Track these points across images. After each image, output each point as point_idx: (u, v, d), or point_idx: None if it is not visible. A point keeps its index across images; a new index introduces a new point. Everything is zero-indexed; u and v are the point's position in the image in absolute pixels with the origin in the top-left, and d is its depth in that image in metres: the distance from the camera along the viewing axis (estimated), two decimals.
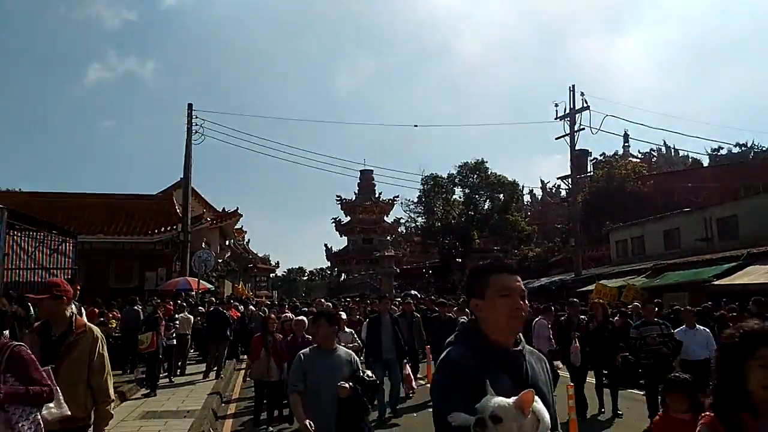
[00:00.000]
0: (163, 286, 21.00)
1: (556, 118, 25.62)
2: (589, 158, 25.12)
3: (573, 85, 25.11)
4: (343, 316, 12.70)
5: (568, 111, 25.03)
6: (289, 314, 11.24)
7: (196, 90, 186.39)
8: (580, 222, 36.64)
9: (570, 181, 26.69)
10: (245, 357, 17.15)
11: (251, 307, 20.47)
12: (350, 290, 54.36)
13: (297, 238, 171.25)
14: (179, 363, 13.60)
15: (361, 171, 64.39)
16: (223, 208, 27.89)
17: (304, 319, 7.79)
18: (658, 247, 26.76)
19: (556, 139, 25.70)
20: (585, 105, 24.38)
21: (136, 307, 13.57)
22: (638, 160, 43.05)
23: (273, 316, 8.96)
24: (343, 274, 66.18)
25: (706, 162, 57.32)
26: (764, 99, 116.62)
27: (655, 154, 72.23)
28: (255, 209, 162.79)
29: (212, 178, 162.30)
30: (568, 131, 25.13)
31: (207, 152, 49.78)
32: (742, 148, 61.89)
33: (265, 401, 8.23)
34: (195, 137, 23.07)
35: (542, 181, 73.72)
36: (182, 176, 23.34)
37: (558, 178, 44.90)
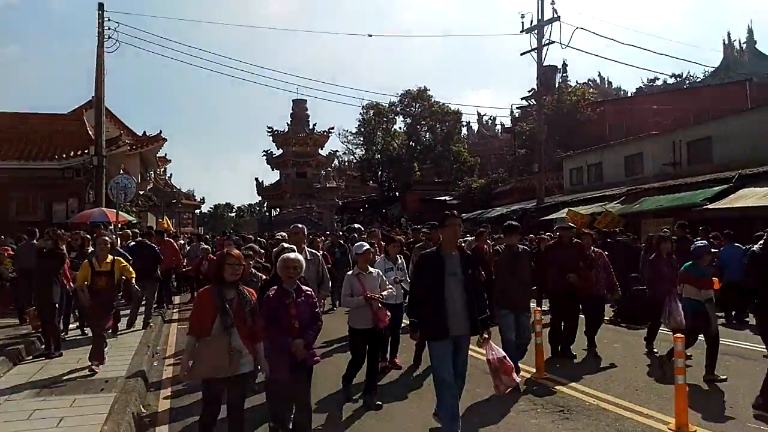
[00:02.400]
0: (74, 219, 17.64)
1: (522, 31, 23.25)
2: (558, 74, 22.87)
3: None
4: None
5: (535, 23, 22.69)
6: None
7: None
8: (528, 151, 35.28)
9: (535, 102, 24.58)
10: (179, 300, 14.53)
11: (181, 240, 17.54)
12: (284, 226, 51.06)
13: (224, 172, 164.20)
14: None
15: (293, 100, 60.32)
16: (144, 132, 24.11)
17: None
18: (618, 175, 25.53)
19: (522, 54, 23.46)
20: (555, 15, 22.11)
21: (35, 242, 10.53)
22: (588, 88, 41.60)
23: (235, 251, 5.27)
24: (275, 210, 62.89)
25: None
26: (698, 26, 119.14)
27: (591, 84, 72.23)
28: (177, 141, 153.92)
29: (130, 99, 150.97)
30: (535, 46, 22.88)
31: (123, 70, 44.29)
32: (677, 78, 62.52)
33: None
34: (108, 44, 19.05)
35: (479, 114, 72.20)
36: (94, 93, 19.43)
37: (523, 98, 43.13)
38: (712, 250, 8.92)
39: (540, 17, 22.63)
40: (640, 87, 60.02)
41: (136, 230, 15.01)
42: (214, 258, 13.25)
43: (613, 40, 51.33)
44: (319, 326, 4.55)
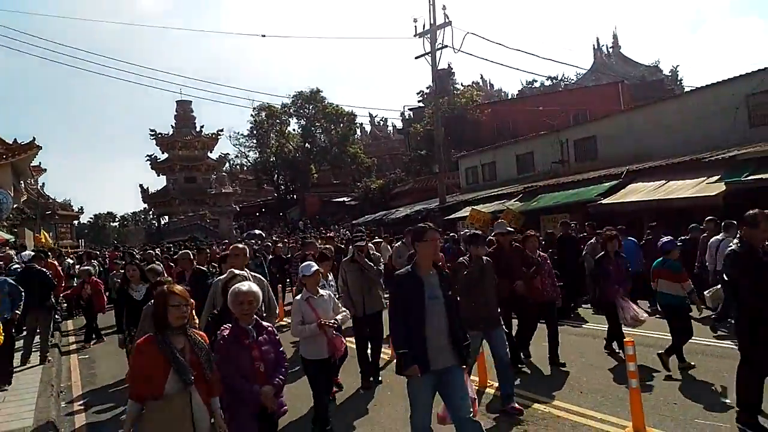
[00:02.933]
0: None
1: (415, 35, 23.61)
2: (451, 77, 23.45)
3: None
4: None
5: (428, 27, 23.13)
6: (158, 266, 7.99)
7: None
8: (423, 152, 36.07)
9: (432, 104, 25.06)
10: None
11: (69, 260, 15.99)
12: (174, 234, 48.92)
13: (103, 179, 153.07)
14: None
15: (177, 101, 57.53)
16: (15, 140, 21.71)
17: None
18: (511, 173, 26.69)
19: (416, 58, 23.80)
20: (447, 21, 22.64)
21: None
22: (474, 90, 43.20)
23: (177, 287, 4.69)
24: (164, 218, 59.63)
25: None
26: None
27: (475, 87, 75.38)
28: (51, 148, 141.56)
29: None
30: (428, 50, 23.32)
31: None
32: (553, 80, 66.72)
33: None
34: None
35: (371, 115, 72.96)
36: None
37: (419, 101, 43.66)
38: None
39: (432, 22, 23.11)
40: (522, 89, 63.32)
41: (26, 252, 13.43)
42: (98, 283, 12.32)
43: (501, 45, 54.17)
44: (285, 368, 3.99)
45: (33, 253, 15.73)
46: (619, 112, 23.30)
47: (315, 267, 5.58)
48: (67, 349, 11.45)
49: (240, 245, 6.24)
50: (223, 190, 32.10)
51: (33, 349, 9.45)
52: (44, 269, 9.76)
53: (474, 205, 22.45)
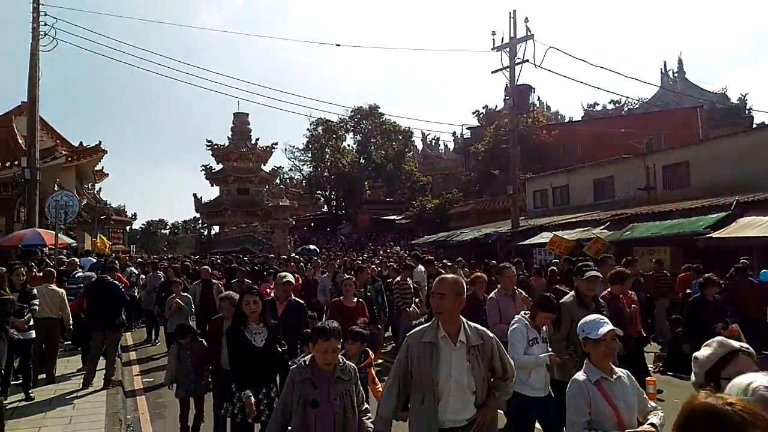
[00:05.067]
0: (1, 241, 15.00)
1: (493, 49, 22.41)
2: (531, 93, 22.10)
3: (514, 11, 22.02)
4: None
5: (507, 40, 21.89)
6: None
7: None
8: (496, 172, 34.67)
9: (508, 121, 23.72)
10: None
11: (132, 268, 15.23)
12: (225, 245, 48.78)
13: (156, 186, 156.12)
14: (42, 366, 8.51)
15: (234, 114, 57.93)
16: (81, 143, 21.44)
17: None
18: (586, 198, 25.06)
19: (493, 72, 22.56)
20: (529, 34, 21.38)
21: None
22: (539, 111, 41.62)
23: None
24: (214, 228, 59.72)
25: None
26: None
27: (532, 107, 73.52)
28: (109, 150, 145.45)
29: (59, 105, 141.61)
30: (505, 64, 22.06)
31: (53, 72, 40.53)
32: (616, 104, 64.45)
33: None
34: (43, 41, 16.63)
35: (423, 133, 71.79)
36: (26, 97, 16.80)
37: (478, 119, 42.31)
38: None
39: (513, 35, 21.88)
40: (587, 110, 61.29)
41: (86, 258, 12.67)
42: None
43: (584, 61, 51.98)
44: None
45: (93, 260, 15.13)
46: (717, 137, 21.47)
47: (607, 327, 3.25)
48: (129, 368, 10.54)
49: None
50: (280, 203, 31.38)
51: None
52: (117, 281, 8.84)
53: (549, 230, 20.92)
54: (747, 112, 57.80)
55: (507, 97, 56.57)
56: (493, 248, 22.92)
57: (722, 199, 15.84)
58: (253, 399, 4.48)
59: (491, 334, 3.24)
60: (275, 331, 4.93)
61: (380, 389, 4.39)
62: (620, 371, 3.25)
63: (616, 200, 23.04)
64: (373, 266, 14.30)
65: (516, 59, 22.02)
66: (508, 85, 22.18)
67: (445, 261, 11.77)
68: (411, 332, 3.27)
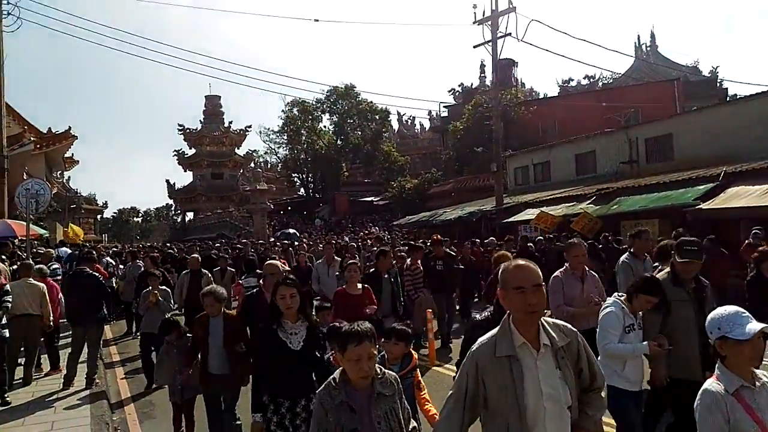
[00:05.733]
0: None
1: (474, 22, 21.90)
2: (515, 68, 21.70)
3: None
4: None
5: (488, 14, 21.42)
6: None
7: None
8: (479, 149, 34.37)
9: (491, 98, 23.28)
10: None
11: (108, 258, 14.55)
12: (200, 231, 47.81)
13: (127, 173, 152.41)
14: (21, 367, 7.90)
15: (206, 96, 56.61)
16: (49, 129, 20.40)
17: None
18: (568, 173, 24.95)
19: (475, 47, 22.08)
20: (511, 6, 20.91)
21: None
22: (517, 88, 41.27)
23: None
24: (188, 214, 58.54)
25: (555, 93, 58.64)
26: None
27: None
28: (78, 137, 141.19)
29: (28, 91, 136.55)
30: (486, 39, 21.59)
31: (22, 58, 38.73)
32: (590, 79, 64.57)
33: None
34: (7, 21, 15.69)
35: (399, 113, 71.19)
36: None
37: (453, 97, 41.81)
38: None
39: (494, 8, 21.41)
40: (562, 86, 61.22)
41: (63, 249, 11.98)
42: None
43: (567, 35, 51.14)
44: None
45: (68, 250, 14.42)
46: (699, 109, 21.37)
47: (756, 326, 2.48)
48: (110, 360, 10.00)
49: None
50: (258, 187, 30.65)
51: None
52: (95, 274, 8.25)
53: (534, 207, 20.77)
54: (719, 84, 58.53)
55: (483, 75, 56.54)
56: (477, 226, 22.68)
57: (709, 171, 15.76)
58: (263, 425, 3.79)
59: (572, 328, 2.54)
60: (315, 330, 4.05)
61: (425, 396, 3.86)
62: (763, 375, 2.55)
63: (598, 175, 22.93)
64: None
65: (498, 33, 21.61)
66: (491, 60, 21.72)
67: (437, 236, 10.93)
68: (475, 347, 2.46)
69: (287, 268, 10.61)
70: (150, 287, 8.22)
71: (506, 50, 21.60)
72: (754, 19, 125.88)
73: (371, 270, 7.90)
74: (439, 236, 10.94)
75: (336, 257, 10.01)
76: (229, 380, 5.05)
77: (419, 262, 9.31)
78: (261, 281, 10.09)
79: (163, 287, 8.46)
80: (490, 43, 21.67)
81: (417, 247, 9.74)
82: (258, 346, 4.14)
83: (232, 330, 5.11)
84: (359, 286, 6.47)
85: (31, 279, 7.90)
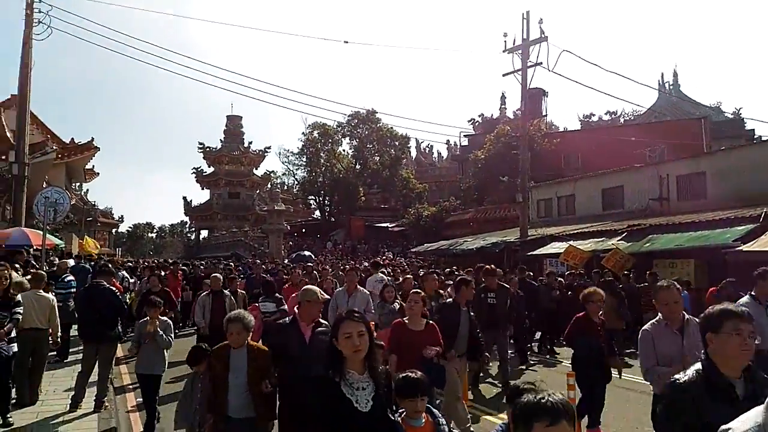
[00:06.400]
0: None
1: (504, 51, 21.66)
2: (545, 98, 21.31)
3: (527, 11, 21.32)
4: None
5: (519, 42, 21.16)
6: None
7: None
8: (504, 179, 33.94)
9: (520, 127, 22.91)
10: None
11: (123, 272, 14.15)
12: (215, 250, 47.54)
13: (144, 188, 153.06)
14: (27, 384, 7.39)
15: (228, 116, 57.07)
16: (72, 139, 20.27)
17: None
18: (593, 207, 24.36)
19: (504, 75, 21.82)
20: (543, 36, 20.65)
21: None
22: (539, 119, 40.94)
23: None
24: (203, 232, 58.40)
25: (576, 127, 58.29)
26: None
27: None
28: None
29: (52, 100, 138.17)
30: (515, 68, 21.32)
31: (47, 68, 39.13)
32: (612, 115, 64.24)
33: None
34: (37, 29, 15.63)
35: (417, 140, 71.21)
36: (16, 89, 15.75)
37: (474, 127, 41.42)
38: None
39: (525, 36, 21.16)
40: (583, 120, 60.97)
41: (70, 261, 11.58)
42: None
43: (599, 67, 50.49)
44: None
45: (72, 262, 14.01)
46: (734, 147, 20.88)
47: None
48: (121, 384, 9.48)
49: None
50: (276, 207, 30.34)
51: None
52: (112, 287, 7.80)
53: (560, 240, 20.15)
54: (744, 124, 57.80)
55: (503, 105, 56.43)
56: (499, 258, 22.06)
57: (749, 211, 15.11)
58: None
59: None
60: (386, 386, 3.00)
61: None
62: None
63: (626, 210, 22.33)
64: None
65: (528, 62, 21.32)
66: (521, 89, 21.37)
67: (490, 266, 9.70)
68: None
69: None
70: (148, 317, 6.71)
71: (535, 80, 21.22)
72: None
73: (448, 300, 6.76)
74: (492, 266, 9.83)
75: (359, 286, 8.73)
76: (252, 425, 4.35)
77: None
78: (283, 306, 9.59)
79: (164, 318, 6.98)
80: (520, 72, 21.44)
81: (466, 281, 7.12)
82: (314, 407, 3.00)
83: (258, 365, 4.38)
84: (423, 320, 5.48)
85: (41, 291, 7.48)
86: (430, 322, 5.57)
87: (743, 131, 43.49)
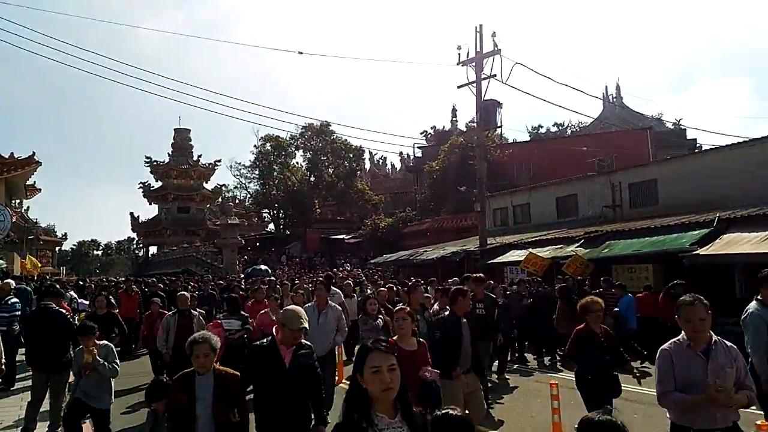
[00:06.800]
0: None
1: (458, 63, 21.81)
2: (499, 109, 21.53)
3: (480, 25, 21.54)
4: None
5: (473, 55, 21.36)
6: None
7: None
8: (463, 188, 34.17)
9: (476, 138, 23.04)
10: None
11: (71, 292, 13.38)
12: (164, 266, 46.07)
13: (88, 204, 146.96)
14: None
15: (175, 129, 55.74)
16: (11, 154, 19.16)
17: None
18: (548, 216, 24.76)
19: (459, 87, 21.94)
20: (496, 49, 20.91)
21: None
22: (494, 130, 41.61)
23: None
24: (152, 248, 56.58)
25: (525, 138, 59.53)
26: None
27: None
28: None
29: None
30: (470, 80, 21.51)
31: None
32: (559, 127, 66.00)
33: None
34: None
35: (370, 152, 71.25)
36: None
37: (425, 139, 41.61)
38: None
39: (479, 49, 21.40)
40: (531, 132, 62.42)
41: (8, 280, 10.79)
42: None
43: (550, 79, 51.40)
44: None
45: (12, 284, 13.17)
46: (684, 155, 21.64)
47: None
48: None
49: None
50: (229, 221, 29.61)
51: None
52: (61, 310, 7.26)
53: (518, 248, 20.34)
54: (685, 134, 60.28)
55: (454, 118, 57.16)
56: (460, 267, 22.08)
57: (702, 216, 15.57)
58: None
59: None
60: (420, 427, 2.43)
61: None
62: None
63: (580, 218, 22.77)
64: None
65: (482, 74, 21.54)
66: (476, 101, 21.55)
67: (478, 274, 9.37)
68: None
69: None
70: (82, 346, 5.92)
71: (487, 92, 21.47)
72: (709, 78, 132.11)
73: (446, 314, 6.23)
74: (481, 274, 9.51)
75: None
76: None
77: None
78: (247, 325, 9.11)
79: (103, 342, 6.12)
80: (474, 84, 21.64)
81: (462, 291, 6.44)
82: None
83: (225, 392, 3.95)
84: (414, 340, 5.11)
85: None
86: (421, 340, 5.26)
87: (685, 141, 45.29)
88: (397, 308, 5.44)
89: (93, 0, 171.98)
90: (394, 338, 5.11)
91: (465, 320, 6.05)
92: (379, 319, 7.54)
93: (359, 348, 2.64)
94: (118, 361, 6.05)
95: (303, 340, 4.42)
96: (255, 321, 8.77)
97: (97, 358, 5.74)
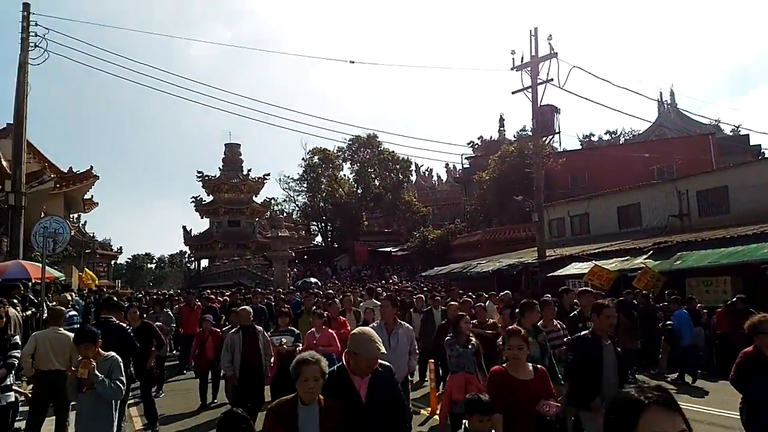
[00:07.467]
0: None
1: (513, 68, 21.19)
2: (557, 114, 20.74)
3: (535, 28, 20.90)
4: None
5: (528, 59, 20.70)
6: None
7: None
8: (488, 202, 33.36)
9: (532, 146, 22.28)
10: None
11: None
12: (215, 279, 46.71)
13: (142, 218, 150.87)
14: None
15: (226, 144, 56.77)
16: (70, 168, 19.57)
17: None
18: (609, 226, 23.75)
19: (514, 92, 21.30)
20: (552, 52, 20.19)
21: None
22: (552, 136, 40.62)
23: None
24: (203, 261, 57.50)
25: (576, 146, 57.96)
26: None
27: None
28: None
29: (48, 128, 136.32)
30: (522, 86, 20.83)
31: (43, 97, 38.34)
32: (612, 135, 64.08)
33: None
34: (33, 54, 15.10)
35: (416, 164, 70.81)
36: (11, 117, 15.22)
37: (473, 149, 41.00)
38: None
39: (534, 53, 20.72)
40: (583, 141, 60.80)
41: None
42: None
43: (609, 83, 49.43)
44: None
45: (66, 296, 13.21)
46: (757, 161, 20.38)
47: None
48: (132, 429, 8.61)
49: None
50: (280, 234, 29.60)
51: None
52: (123, 325, 7.02)
53: (580, 260, 19.41)
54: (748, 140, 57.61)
55: (502, 128, 56.18)
56: (517, 280, 21.27)
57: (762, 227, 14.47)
58: None
59: None
60: None
61: None
62: None
63: (644, 228, 21.72)
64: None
65: (537, 79, 20.84)
66: (532, 106, 20.86)
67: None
68: None
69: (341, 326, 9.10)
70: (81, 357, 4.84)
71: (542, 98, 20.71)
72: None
73: (583, 333, 5.46)
74: (588, 287, 9.16)
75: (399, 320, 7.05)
76: None
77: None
78: (299, 342, 8.63)
79: (110, 353, 5.06)
80: (529, 89, 20.96)
81: (604, 305, 5.55)
82: None
83: (333, 427, 3.31)
84: (530, 366, 4.41)
85: (60, 329, 6.67)
86: (539, 367, 4.51)
87: (749, 146, 43.13)
88: (509, 329, 4.59)
89: (142, 19, 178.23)
90: (504, 365, 4.43)
91: (609, 342, 5.20)
92: (472, 343, 6.44)
93: (621, 402, 1.62)
94: (123, 378, 5.03)
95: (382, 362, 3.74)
96: (307, 338, 8.25)
97: (96, 372, 4.68)
